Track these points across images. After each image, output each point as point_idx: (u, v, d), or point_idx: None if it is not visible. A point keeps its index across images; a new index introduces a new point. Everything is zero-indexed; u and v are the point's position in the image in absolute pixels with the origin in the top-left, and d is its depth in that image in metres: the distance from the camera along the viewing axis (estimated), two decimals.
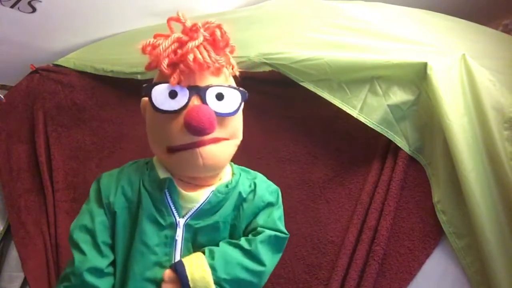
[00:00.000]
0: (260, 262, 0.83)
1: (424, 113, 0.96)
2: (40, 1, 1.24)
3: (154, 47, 0.78)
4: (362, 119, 0.99)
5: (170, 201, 0.83)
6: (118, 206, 0.84)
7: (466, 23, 1.30)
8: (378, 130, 0.98)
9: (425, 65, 0.91)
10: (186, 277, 0.76)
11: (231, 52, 0.86)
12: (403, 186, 0.98)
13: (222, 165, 0.86)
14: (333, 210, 1.08)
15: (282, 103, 1.18)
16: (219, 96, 0.79)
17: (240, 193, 0.87)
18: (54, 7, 1.29)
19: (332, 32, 1.07)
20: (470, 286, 0.87)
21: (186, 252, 0.83)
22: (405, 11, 1.26)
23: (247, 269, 0.81)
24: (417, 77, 0.94)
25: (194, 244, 0.84)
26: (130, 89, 1.35)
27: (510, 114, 0.87)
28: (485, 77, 0.90)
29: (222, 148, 0.82)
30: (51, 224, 1.35)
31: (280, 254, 0.89)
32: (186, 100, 0.77)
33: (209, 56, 0.78)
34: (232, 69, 0.86)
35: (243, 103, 0.85)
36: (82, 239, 0.82)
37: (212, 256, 0.80)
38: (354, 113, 1.00)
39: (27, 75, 1.44)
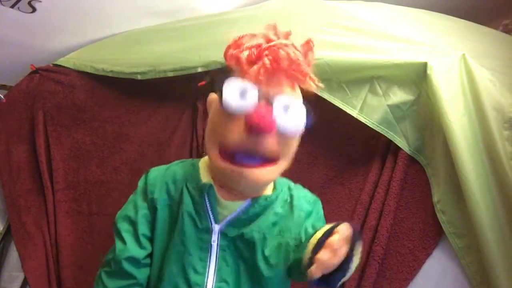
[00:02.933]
0: None
1: (424, 113, 0.96)
2: (40, 1, 1.24)
3: (239, 39, 0.76)
4: (362, 119, 0.99)
5: (208, 206, 0.82)
6: (160, 203, 0.85)
7: (466, 23, 1.30)
8: (378, 130, 0.98)
9: (425, 65, 0.91)
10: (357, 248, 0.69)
11: (313, 78, 0.79)
12: (403, 186, 0.98)
13: (262, 187, 0.84)
14: (333, 210, 1.08)
15: None
16: (286, 108, 0.74)
17: (280, 205, 0.86)
18: (54, 7, 1.29)
19: (332, 32, 1.07)
20: (470, 286, 0.87)
21: (221, 261, 0.82)
22: (405, 11, 1.26)
23: None
24: (417, 77, 0.94)
25: (231, 254, 0.83)
26: (130, 89, 1.35)
27: (510, 114, 0.87)
28: (485, 77, 0.90)
29: (267, 173, 0.78)
30: (51, 224, 1.35)
31: None
32: (255, 102, 0.72)
33: (298, 59, 0.73)
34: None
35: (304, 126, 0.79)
36: (125, 228, 0.85)
37: None
38: (354, 113, 1.00)
39: (27, 75, 1.44)
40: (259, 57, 0.72)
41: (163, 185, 0.86)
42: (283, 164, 0.80)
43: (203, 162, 0.89)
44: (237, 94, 0.72)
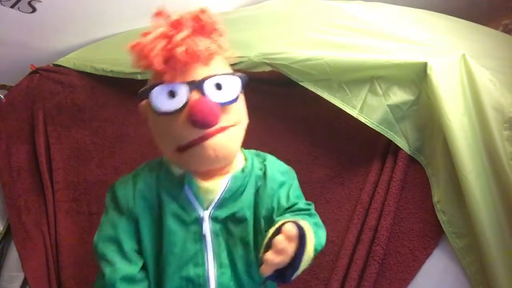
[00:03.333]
0: (323, 228, 0.87)
1: (424, 113, 0.96)
2: (40, 1, 1.24)
3: (143, 47, 0.76)
4: (362, 119, 0.99)
5: (191, 196, 0.81)
6: (139, 211, 0.82)
7: (466, 23, 1.30)
8: (378, 130, 0.98)
9: (425, 65, 0.91)
10: (305, 244, 0.70)
11: (221, 36, 0.83)
12: (403, 186, 0.98)
13: (234, 152, 0.84)
14: (333, 210, 1.08)
15: (282, 103, 1.18)
16: (218, 86, 0.77)
17: (256, 178, 0.86)
18: (54, 7, 1.29)
19: (332, 32, 1.07)
20: (470, 286, 0.87)
21: (217, 247, 0.82)
22: (405, 11, 1.26)
23: (324, 241, 0.84)
24: (417, 77, 0.94)
25: (225, 237, 0.83)
26: (130, 89, 1.34)
27: (510, 114, 0.87)
28: (485, 77, 0.90)
29: (230, 135, 0.80)
30: (51, 224, 1.35)
31: None
32: (186, 97, 0.75)
33: (199, 45, 0.75)
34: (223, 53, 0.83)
35: (241, 89, 0.82)
36: (108, 249, 0.80)
37: (310, 224, 0.77)
38: (354, 113, 1.00)
39: (27, 75, 1.44)
40: (169, 57, 0.74)
41: (136, 193, 0.83)
42: (243, 125, 0.84)
43: (168, 158, 0.87)
44: (166, 97, 0.75)
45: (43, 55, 1.48)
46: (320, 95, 1.02)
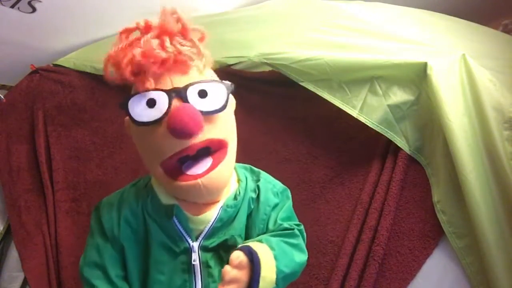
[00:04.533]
0: (303, 251, 0.83)
1: (424, 113, 0.96)
2: (40, 1, 1.24)
3: (114, 56, 0.72)
4: (362, 119, 0.99)
5: (180, 227, 0.77)
6: (124, 239, 0.78)
7: (466, 23, 1.30)
8: (378, 130, 0.98)
9: (425, 65, 0.91)
10: (260, 269, 0.68)
11: (201, 40, 0.77)
12: (403, 186, 0.98)
13: (227, 183, 0.80)
14: (333, 210, 1.08)
15: (282, 103, 1.18)
16: (202, 93, 0.71)
17: (249, 201, 0.83)
18: (54, 7, 1.29)
19: (332, 32, 1.07)
20: (470, 286, 0.87)
21: (206, 277, 0.78)
22: (405, 11, 1.26)
23: (298, 261, 0.79)
24: (417, 77, 0.94)
25: (216, 267, 0.79)
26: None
27: (510, 114, 0.87)
28: (485, 77, 0.90)
29: (223, 169, 0.75)
30: (51, 224, 1.35)
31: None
32: (167, 106, 0.69)
33: (162, 46, 0.70)
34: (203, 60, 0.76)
35: (230, 97, 0.78)
36: (94, 276, 0.78)
37: (272, 247, 0.74)
38: (354, 113, 1.00)
39: (27, 75, 1.44)
40: (138, 65, 0.70)
41: (121, 219, 0.79)
42: (233, 146, 0.79)
43: (155, 180, 0.82)
44: (144, 106, 0.70)
45: (43, 55, 1.48)
46: (320, 95, 1.02)
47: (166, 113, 0.69)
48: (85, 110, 1.39)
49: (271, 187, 0.87)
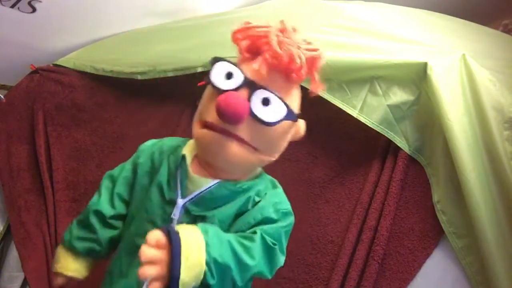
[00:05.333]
0: (251, 256, 0.72)
1: (424, 113, 0.96)
2: (40, 1, 1.24)
3: (258, 32, 0.75)
4: (362, 119, 0.99)
5: (178, 178, 0.81)
6: (142, 169, 0.87)
7: (466, 23, 1.31)
8: (378, 130, 0.98)
9: (425, 65, 0.91)
10: (180, 247, 0.63)
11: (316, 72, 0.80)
12: (403, 186, 0.98)
13: (233, 166, 0.80)
14: (333, 210, 1.08)
15: None
16: (265, 101, 0.73)
17: (247, 200, 0.81)
18: (54, 7, 1.29)
19: (332, 32, 1.07)
20: (470, 286, 0.87)
21: None
22: (405, 11, 1.26)
23: (238, 258, 0.70)
24: (417, 77, 0.94)
25: None
26: (130, 89, 1.35)
27: (510, 114, 0.87)
28: (485, 77, 0.90)
29: (244, 153, 0.76)
30: (51, 224, 1.34)
31: (270, 268, 0.77)
32: (236, 86, 0.73)
33: (300, 58, 0.73)
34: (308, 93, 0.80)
35: (287, 124, 0.78)
36: (105, 184, 0.91)
37: (206, 231, 0.68)
38: (354, 113, 1.00)
39: (27, 75, 1.44)
40: (258, 50, 0.74)
41: (150, 153, 0.88)
42: (263, 156, 0.80)
43: (192, 141, 0.87)
44: (224, 74, 0.75)
45: (43, 55, 1.48)
46: (320, 95, 1.02)
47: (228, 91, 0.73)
48: (85, 110, 1.39)
49: (277, 201, 0.83)
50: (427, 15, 1.28)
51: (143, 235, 0.67)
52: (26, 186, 1.39)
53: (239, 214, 0.80)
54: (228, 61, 0.76)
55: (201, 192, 0.80)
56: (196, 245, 0.65)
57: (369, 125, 0.98)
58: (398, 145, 0.97)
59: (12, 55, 1.48)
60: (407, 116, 0.97)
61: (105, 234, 0.87)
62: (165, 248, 0.62)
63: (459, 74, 0.92)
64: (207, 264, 0.65)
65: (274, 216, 0.79)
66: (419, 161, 0.97)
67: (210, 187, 0.80)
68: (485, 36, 1.27)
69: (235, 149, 0.75)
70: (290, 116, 0.76)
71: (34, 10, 1.27)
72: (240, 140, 0.75)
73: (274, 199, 0.82)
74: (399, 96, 0.97)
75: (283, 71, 0.74)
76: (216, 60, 0.77)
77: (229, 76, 0.75)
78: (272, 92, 0.73)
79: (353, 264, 0.96)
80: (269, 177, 0.89)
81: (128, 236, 0.84)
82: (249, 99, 0.72)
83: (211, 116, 0.75)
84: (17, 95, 1.43)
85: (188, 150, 0.85)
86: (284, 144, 0.84)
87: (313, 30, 1.09)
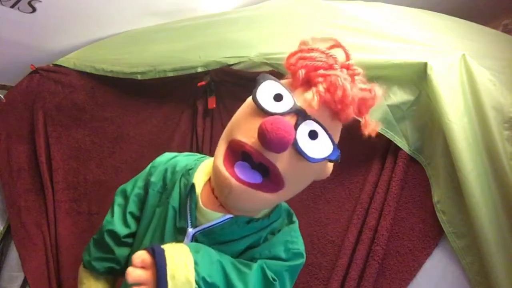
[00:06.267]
0: (244, 282, 0.70)
1: (424, 113, 0.96)
2: (40, 1, 1.24)
3: (308, 58, 0.69)
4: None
5: (189, 207, 0.77)
6: (153, 188, 0.83)
7: (466, 23, 1.30)
8: (378, 130, 0.98)
9: (425, 65, 0.91)
10: (165, 266, 0.61)
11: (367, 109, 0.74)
12: (403, 186, 0.98)
13: (248, 209, 0.75)
14: (333, 210, 1.08)
15: None
16: (312, 134, 0.67)
17: (259, 238, 0.77)
18: (54, 7, 1.29)
19: (332, 32, 1.07)
20: (470, 286, 0.87)
21: None
22: (405, 11, 1.26)
23: (228, 281, 0.68)
24: (417, 77, 0.94)
25: None
26: (130, 89, 1.35)
27: (510, 114, 0.87)
28: (485, 77, 0.90)
29: (259, 199, 0.69)
30: (51, 224, 1.35)
31: None
32: (283, 111, 0.66)
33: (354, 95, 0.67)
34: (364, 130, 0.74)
35: (327, 165, 0.75)
36: (118, 201, 0.87)
37: (197, 250, 0.67)
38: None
39: (27, 75, 1.44)
40: (312, 80, 0.68)
41: (163, 171, 0.85)
42: (286, 194, 0.72)
43: (206, 161, 0.83)
44: (272, 95, 0.68)
45: (43, 55, 1.48)
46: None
47: (276, 114, 0.66)
48: (85, 110, 1.39)
49: (289, 239, 0.78)
50: (427, 15, 1.28)
51: None
52: (26, 186, 1.39)
53: (249, 248, 0.77)
54: (279, 82, 0.69)
55: (211, 226, 0.75)
56: (183, 263, 0.63)
57: None
58: (398, 145, 0.97)
59: (12, 55, 1.48)
60: (407, 116, 0.97)
61: (121, 252, 0.83)
62: (151, 268, 0.61)
63: (459, 74, 0.92)
64: (197, 283, 0.63)
65: (283, 255, 0.76)
66: (419, 161, 0.97)
67: (221, 222, 0.74)
68: (485, 36, 1.27)
69: (252, 197, 0.68)
70: (335, 155, 0.70)
71: (34, 10, 1.27)
72: (264, 185, 0.68)
73: (286, 237, 0.78)
74: (399, 96, 0.97)
75: (333, 107, 0.68)
76: (265, 78, 0.70)
77: (278, 98, 0.67)
78: (322, 126, 0.67)
79: (353, 264, 0.96)
80: (286, 206, 0.84)
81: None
82: (295, 128, 0.65)
83: (248, 137, 0.66)
84: (17, 95, 1.43)
85: (200, 176, 0.78)
86: (309, 183, 0.77)
87: (313, 30, 1.09)
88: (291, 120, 0.66)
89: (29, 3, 1.24)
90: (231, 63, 1.15)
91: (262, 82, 0.69)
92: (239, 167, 0.68)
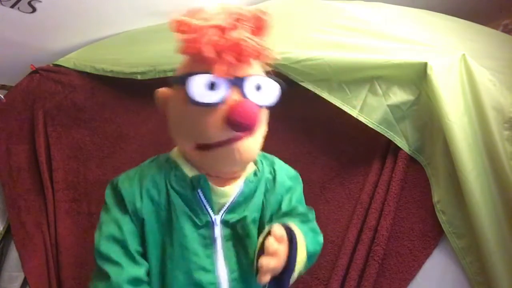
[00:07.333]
0: (320, 233, 0.87)
1: (424, 113, 0.96)
2: (40, 1, 1.24)
3: (193, 29, 0.69)
4: (362, 119, 0.99)
5: (203, 199, 0.78)
6: (146, 212, 0.77)
7: (466, 23, 1.30)
8: (378, 130, 0.98)
9: (425, 65, 0.91)
10: (297, 246, 0.70)
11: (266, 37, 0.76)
12: (403, 186, 0.98)
13: (255, 156, 0.82)
14: (333, 210, 1.08)
15: (282, 103, 1.17)
16: (258, 87, 0.73)
17: (266, 181, 0.85)
18: (54, 7, 1.29)
19: (332, 32, 1.07)
20: (470, 286, 0.87)
21: (227, 252, 0.79)
22: (405, 11, 1.26)
23: (320, 241, 0.85)
24: (417, 77, 0.94)
25: (234, 242, 0.80)
26: (130, 89, 1.35)
27: (510, 114, 0.87)
28: (485, 77, 0.90)
29: (256, 139, 0.78)
30: (51, 224, 1.35)
31: None
32: (226, 92, 0.70)
33: (258, 45, 0.71)
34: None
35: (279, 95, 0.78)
36: (112, 250, 0.75)
37: (300, 227, 0.76)
38: (354, 113, 1.00)
39: (27, 75, 1.44)
40: (225, 50, 0.69)
41: (143, 192, 0.78)
42: (263, 128, 0.80)
43: (176, 155, 0.82)
44: (205, 87, 0.70)
45: (43, 55, 1.48)
46: (320, 95, 1.02)
47: (223, 100, 0.70)
48: (85, 110, 1.39)
49: (286, 171, 0.90)
50: (427, 15, 1.28)
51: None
52: (26, 186, 1.39)
53: (264, 198, 0.84)
54: (201, 73, 0.70)
55: (234, 199, 0.80)
56: (302, 242, 0.73)
57: (369, 125, 0.98)
58: (398, 145, 0.97)
59: (12, 55, 1.48)
60: (407, 116, 0.97)
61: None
62: (286, 243, 0.68)
63: (459, 74, 0.92)
64: (306, 256, 0.74)
65: (290, 183, 0.89)
66: (419, 161, 0.97)
67: (240, 190, 0.80)
68: (485, 36, 1.27)
69: (252, 143, 0.76)
70: (281, 85, 0.76)
71: (34, 10, 1.27)
72: (252, 132, 0.74)
73: (282, 169, 0.89)
74: (399, 96, 0.97)
75: (240, 56, 0.70)
76: (186, 77, 0.70)
77: (212, 86, 0.70)
78: (258, 75, 0.74)
79: (353, 264, 0.96)
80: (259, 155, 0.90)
81: (178, 282, 0.77)
82: (245, 96, 0.71)
83: (215, 136, 0.72)
84: (17, 95, 1.43)
85: (191, 168, 0.79)
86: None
87: (313, 30, 1.09)
88: (236, 93, 0.71)
89: (29, 3, 1.24)
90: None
91: (188, 83, 0.70)
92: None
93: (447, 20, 1.28)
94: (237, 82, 0.71)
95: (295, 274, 0.70)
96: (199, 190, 0.77)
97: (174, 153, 0.84)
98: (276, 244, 0.66)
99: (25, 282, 1.36)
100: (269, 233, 0.70)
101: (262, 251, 0.68)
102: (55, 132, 1.39)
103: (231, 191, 0.80)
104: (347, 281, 0.96)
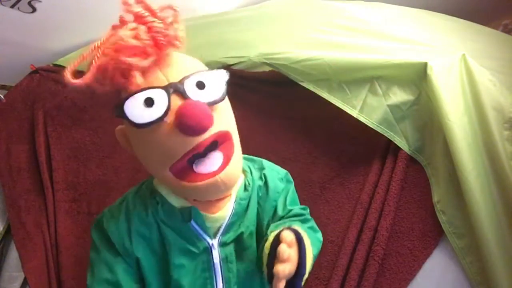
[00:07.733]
0: (319, 231, 0.89)
1: (424, 113, 0.96)
2: (40, 1, 1.24)
3: (100, 67, 0.68)
4: (362, 119, 0.99)
5: (197, 228, 0.76)
6: (139, 251, 0.75)
7: (466, 23, 1.31)
8: (378, 130, 0.98)
9: (425, 65, 0.91)
10: (305, 248, 0.69)
11: (175, 22, 0.74)
12: (403, 186, 0.98)
13: (239, 177, 0.80)
14: (333, 210, 1.08)
15: (282, 103, 1.18)
16: (200, 85, 0.68)
17: (257, 189, 0.84)
18: (54, 7, 1.28)
19: (332, 32, 1.07)
20: (470, 286, 0.87)
21: (226, 272, 0.78)
22: (405, 11, 1.26)
23: (320, 240, 0.87)
24: (417, 77, 0.94)
25: (233, 261, 0.80)
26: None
27: (510, 114, 0.87)
28: (485, 77, 0.90)
29: (236, 161, 0.73)
30: (51, 224, 1.34)
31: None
32: (167, 102, 0.65)
33: (137, 37, 0.67)
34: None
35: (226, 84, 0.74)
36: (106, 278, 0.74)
37: (304, 232, 0.76)
38: (354, 113, 1.00)
39: (27, 75, 1.44)
40: (126, 68, 0.68)
41: (132, 232, 0.75)
42: (236, 138, 0.75)
43: (160, 185, 0.79)
44: (143, 107, 0.66)
45: (43, 55, 1.48)
46: (320, 95, 1.02)
47: (167, 111, 0.66)
48: (85, 110, 1.39)
49: (276, 174, 0.89)
50: (427, 15, 1.28)
51: None
52: (26, 186, 1.39)
53: (258, 204, 0.84)
54: (133, 94, 0.68)
55: (228, 220, 0.78)
56: (309, 244, 0.74)
57: (369, 125, 0.98)
58: (398, 145, 0.97)
59: (12, 55, 1.48)
60: (407, 116, 0.97)
61: None
62: (296, 247, 0.68)
63: (459, 74, 0.92)
64: (312, 258, 0.75)
65: (282, 185, 0.88)
66: (419, 161, 0.97)
67: (232, 211, 0.79)
68: (485, 36, 1.27)
69: (234, 166, 0.73)
70: (224, 74, 0.73)
71: (34, 10, 1.27)
72: (228, 160, 0.71)
73: (273, 173, 0.88)
74: (399, 96, 0.97)
75: (158, 58, 0.68)
76: (120, 108, 0.69)
77: (148, 102, 0.66)
78: (194, 74, 0.69)
79: (353, 264, 0.96)
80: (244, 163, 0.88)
81: None
82: (186, 98, 0.67)
83: (177, 150, 0.67)
84: (17, 95, 1.43)
85: (176, 198, 0.77)
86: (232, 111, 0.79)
87: (313, 30, 1.09)
88: (178, 97, 0.66)
89: (29, 3, 1.24)
90: (231, 63, 1.15)
91: (124, 108, 0.68)
92: (199, 167, 0.70)
93: (447, 20, 1.28)
94: (174, 87, 0.67)
95: (306, 275, 0.71)
96: (192, 221, 0.75)
97: (155, 181, 0.82)
98: (288, 249, 0.65)
99: (25, 282, 1.35)
100: (277, 239, 0.69)
101: (272, 257, 0.68)
102: (55, 132, 1.39)
103: (224, 213, 0.78)
104: (347, 281, 0.96)
